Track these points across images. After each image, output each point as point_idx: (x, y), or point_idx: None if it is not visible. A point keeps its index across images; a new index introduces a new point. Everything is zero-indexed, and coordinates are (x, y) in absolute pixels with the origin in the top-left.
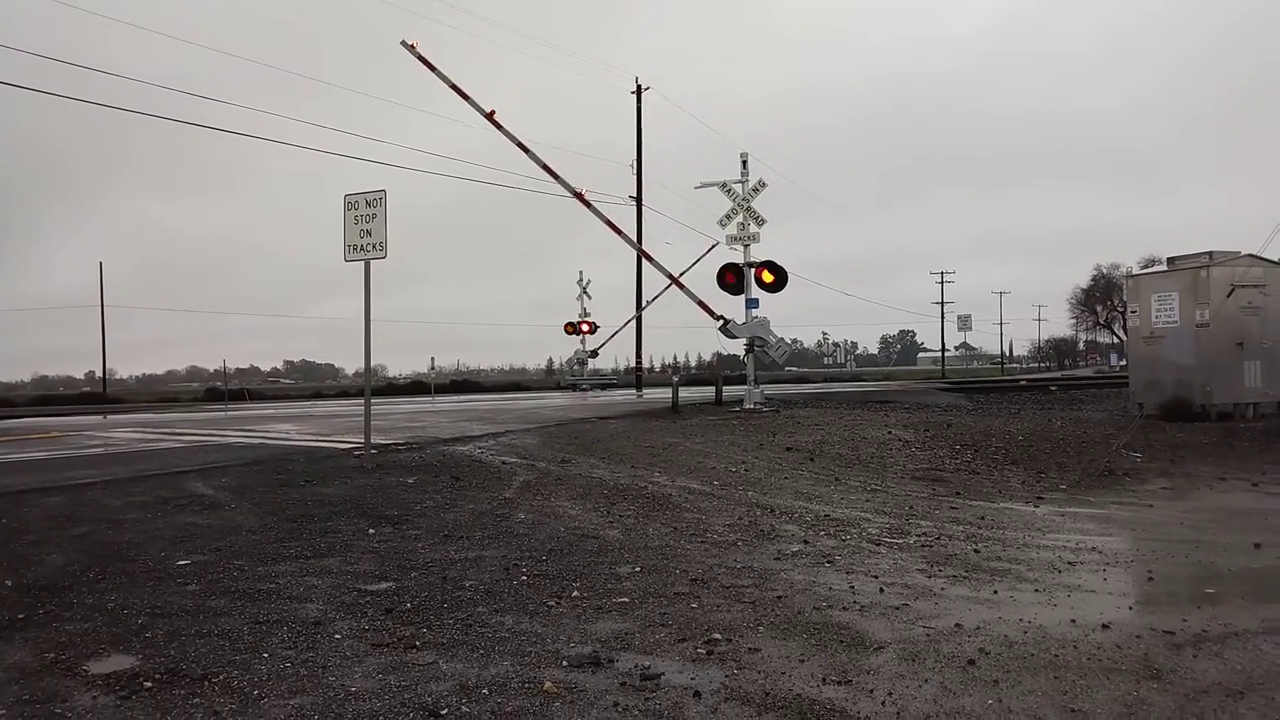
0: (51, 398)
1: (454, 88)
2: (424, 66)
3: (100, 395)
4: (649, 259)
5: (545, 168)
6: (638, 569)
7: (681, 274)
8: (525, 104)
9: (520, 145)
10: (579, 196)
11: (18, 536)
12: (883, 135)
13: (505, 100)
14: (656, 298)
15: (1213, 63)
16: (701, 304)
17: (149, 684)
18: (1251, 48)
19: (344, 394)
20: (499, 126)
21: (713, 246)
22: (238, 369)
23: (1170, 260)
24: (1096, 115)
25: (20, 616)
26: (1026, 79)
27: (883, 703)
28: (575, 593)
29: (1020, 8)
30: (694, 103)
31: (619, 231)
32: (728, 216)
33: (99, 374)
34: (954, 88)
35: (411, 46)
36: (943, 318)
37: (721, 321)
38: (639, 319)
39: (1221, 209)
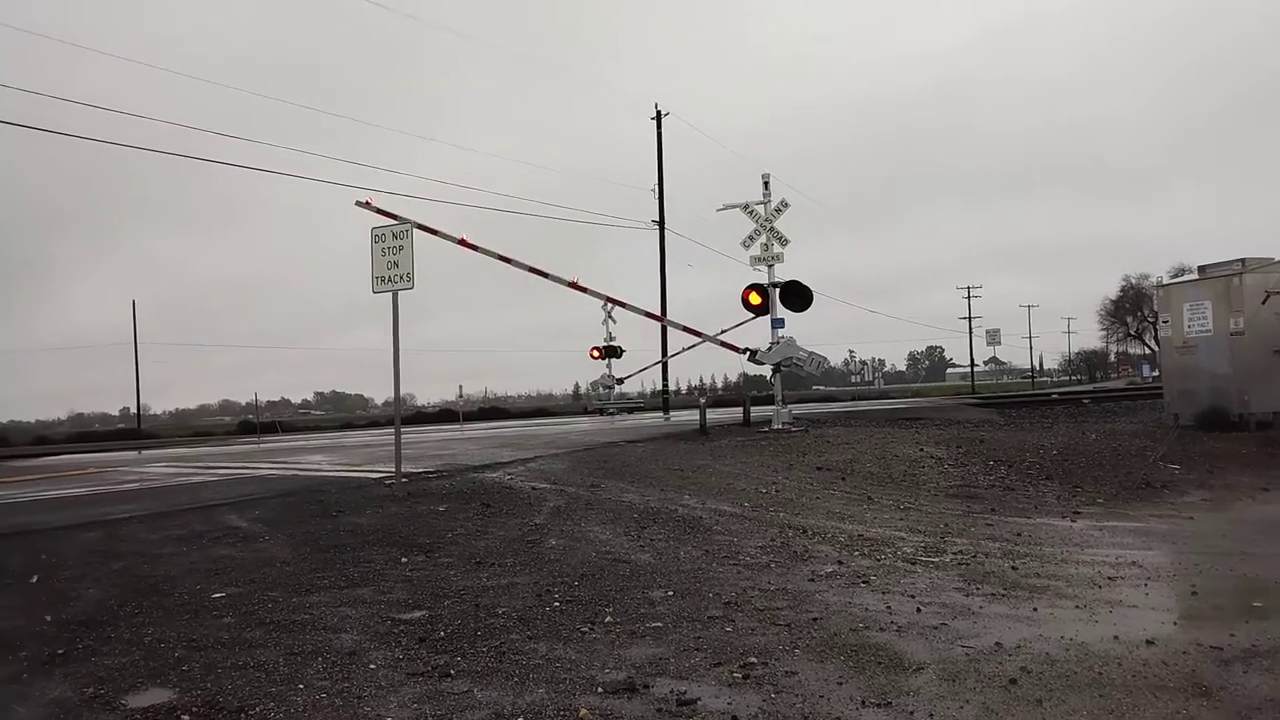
0: (87, 434)
1: (421, 227)
2: (385, 214)
3: (135, 431)
4: (674, 325)
5: (532, 270)
6: (670, 593)
7: (722, 332)
8: (530, 130)
9: (501, 258)
10: (574, 285)
11: (56, 572)
12: (891, 152)
13: (509, 127)
14: (681, 352)
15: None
16: (726, 344)
17: (186, 717)
18: (1253, 57)
19: (374, 423)
20: (474, 247)
21: (746, 321)
22: (269, 401)
23: (1201, 269)
24: (1114, 124)
25: (60, 651)
26: (1027, 92)
27: None
28: (608, 618)
29: (1005, 25)
30: (697, 126)
31: (623, 305)
32: (750, 238)
33: (133, 410)
34: (956, 103)
35: (367, 204)
36: (970, 332)
37: (749, 353)
38: (665, 365)
39: (1244, 217)
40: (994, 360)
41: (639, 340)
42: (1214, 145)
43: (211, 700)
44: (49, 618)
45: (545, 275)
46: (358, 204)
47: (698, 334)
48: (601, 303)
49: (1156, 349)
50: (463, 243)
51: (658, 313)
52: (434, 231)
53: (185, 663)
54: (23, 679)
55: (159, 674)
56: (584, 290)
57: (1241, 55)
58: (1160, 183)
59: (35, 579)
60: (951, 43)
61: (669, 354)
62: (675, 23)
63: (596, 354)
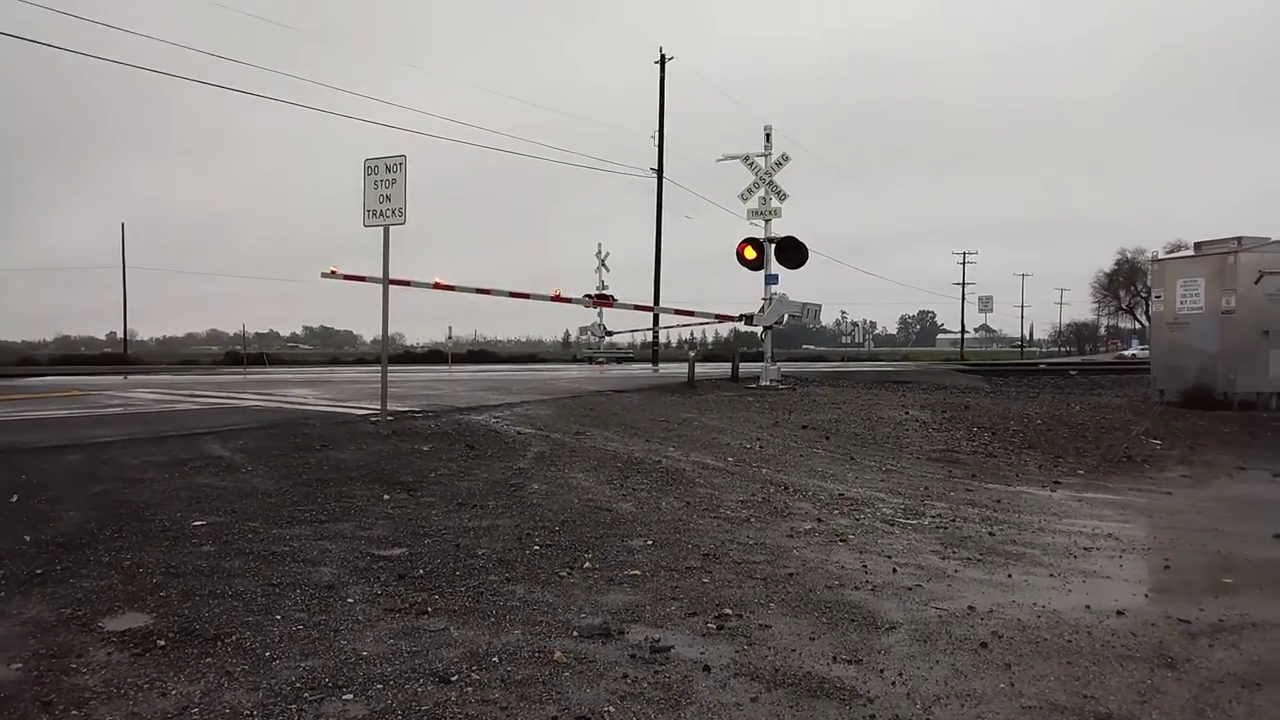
0: (73, 357)
1: (397, 281)
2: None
3: (121, 356)
4: (666, 311)
5: (513, 294)
6: (650, 542)
7: (747, 315)
8: (525, 67)
9: (480, 290)
10: (556, 298)
11: (37, 492)
12: (873, 114)
13: (506, 65)
14: (671, 327)
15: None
16: (722, 317)
17: (162, 642)
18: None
19: (362, 361)
20: (450, 287)
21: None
22: (257, 333)
23: (1197, 245)
24: (1083, 102)
25: (38, 572)
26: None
27: (893, 683)
28: (587, 564)
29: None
30: (697, 70)
31: (610, 304)
32: (749, 190)
33: (120, 334)
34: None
35: (332, 273)
36: (963, 299)
37: (744, 319)
38: (655, 322)
39: (1227, 199)
40: (985, 328)
41: (633, 288)
42: (1189, 131)
43: (188, 627)
44: (28, 537)
45: (526, 296)
46: (323, 275)
47: (691, 314)
48: (597, 254)
49: (1147, 324)
50: (437, 286)
51: (652, 281)
52: (405, 283)
53: (163, 588)
54: (0, 597)
55: (136, 598)
56: (567, 300)
57: (1212, 51)
58: (1133, 161)
59: (15, 498)
60: (904, 14)
61: (660, 325)
62: None
63: (588, 302)
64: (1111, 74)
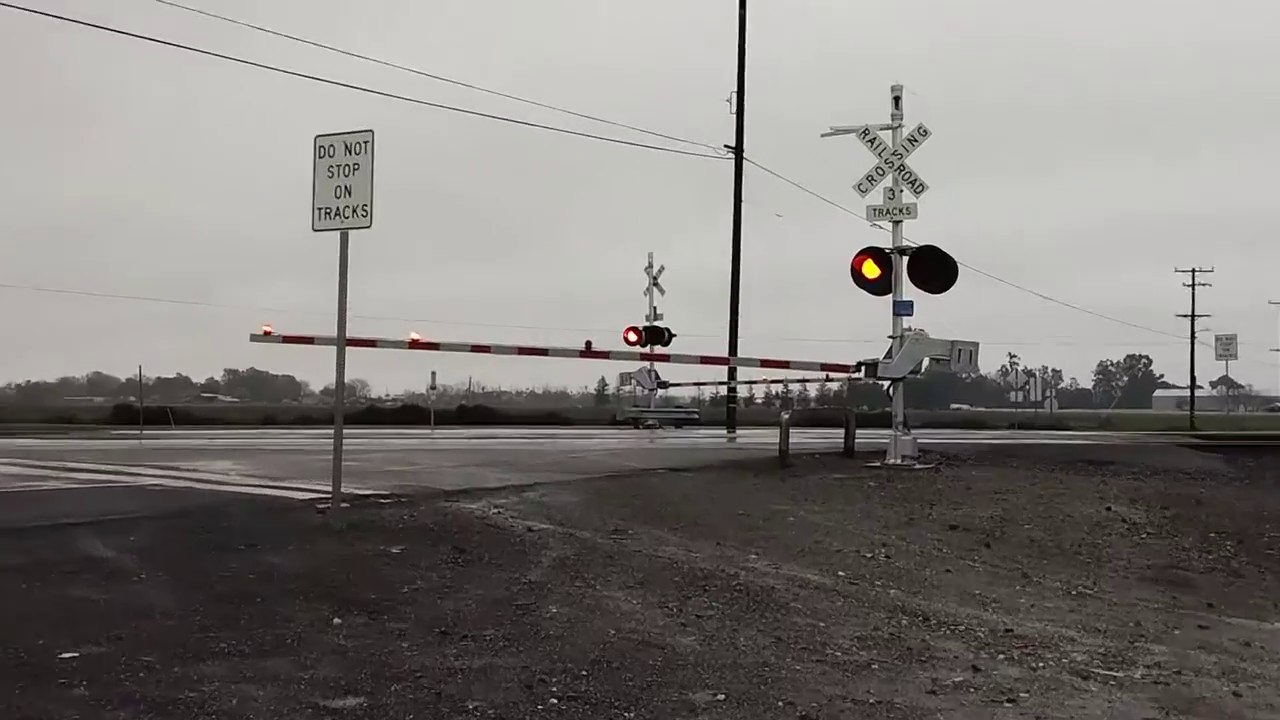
0: None
1: (357, 341)
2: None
3: None
4: (750, 363)
5: (522, 350)
6: (721, 697)
7: (863, 363)
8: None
9: (475, 348)
10: (586, 351)
11: None
12: (1066, 60)
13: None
14: (755, 382)
15: None
16: (829, 369)
17: None
18: None
19: (307, 419)
20: (434, 346)
21: None
22: (159, 378)
23: None
24: None
25: None
26: None
27: None
28: None
29: None
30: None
31: (665, 359)
32: (870, 179)
33: None
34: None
35: (265, 334)
36: (1192, 338)
37: (863, 368)
38: (732, 387)
39: None
40: (1225, 380)
41: (698, 316)
42: None
43: None
44: None
45: (544, 353)
46: (254, 338)
47: (785, 365)
48: (646, 268)
49: None
50: (415, 344)
51: (729, 308)
52: (371, 343)
53: None
54: None
55: None
56: (604, 355)
57: None
58: None
59: None
60: None
61: (738, 379)
62: None
63: (634, 338)
64: None
